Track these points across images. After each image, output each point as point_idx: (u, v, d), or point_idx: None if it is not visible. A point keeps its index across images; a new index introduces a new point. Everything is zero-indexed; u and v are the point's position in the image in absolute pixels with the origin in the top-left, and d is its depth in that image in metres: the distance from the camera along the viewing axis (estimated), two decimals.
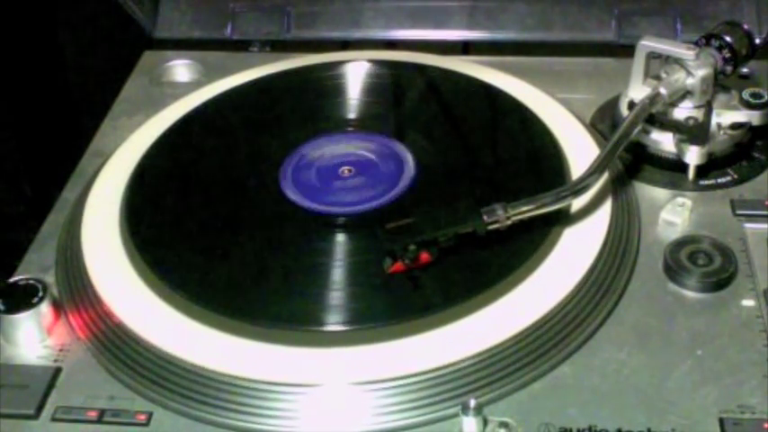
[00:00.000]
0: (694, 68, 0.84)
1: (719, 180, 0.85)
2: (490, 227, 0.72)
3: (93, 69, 1.32)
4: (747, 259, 0.77)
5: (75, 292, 0.77)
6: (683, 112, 0.85)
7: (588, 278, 0.73)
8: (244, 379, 0.68)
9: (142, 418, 0.67)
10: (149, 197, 0.84)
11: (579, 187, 0.75)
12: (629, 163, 0.86)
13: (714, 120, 0.85)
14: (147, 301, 0.74)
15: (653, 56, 0.86)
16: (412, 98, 0.96)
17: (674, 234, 0.79)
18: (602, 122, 0.93)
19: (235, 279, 0.75)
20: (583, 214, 0.79)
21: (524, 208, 0.73)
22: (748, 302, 0.73)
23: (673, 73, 0.84)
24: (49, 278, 0.78)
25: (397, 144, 0.88)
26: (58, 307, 0.75)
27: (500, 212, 0.72)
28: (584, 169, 0.77)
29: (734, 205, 0.82)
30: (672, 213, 0.81)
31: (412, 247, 0.71)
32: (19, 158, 1.26)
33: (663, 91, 0.83)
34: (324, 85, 0.97)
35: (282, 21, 1.10)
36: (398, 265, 0.71)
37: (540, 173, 0.83)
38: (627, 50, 0.93)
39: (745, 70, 0.90)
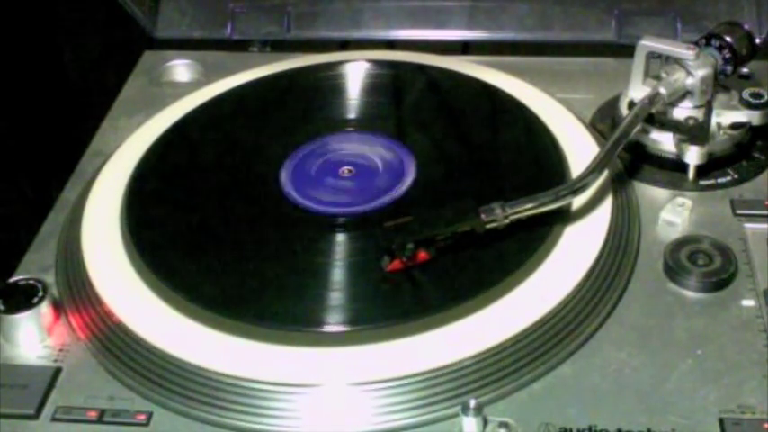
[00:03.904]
0: (694, 68, 0.84)
1: (719, 180, 0.85)
2: (488, 226, 0.72)
3: (93, 69, 1.32)
4: (747, 259, 0.76)
5: (75, 292, 0.77)
6: (683, 112, 0.85)
7: (588, 278, 0.73)
8: (244, 379, 0.68)
9: (142, 417, 0.67)
10: (149, 197, 0.84)
11: (578, 186, 0.75)
12: (629, 163, 0.86)
13: (714, 120, 0.85)
14: (147, 302, 0.74)
15: (653, 56, 0.86)
16: (412, 98, 0.96)
17: (674, 234, 0.79)
18: (602, 122, 0.93)
19: (235, 279, 0.75)
20: (583, 214, 0.79)
21: (523, 207, 0.73)
22: (748, 302, 0.73)
23: (673, 73, 0.84)
24: (49, 278, 0.78)
25: (397, 144, 0.88)
26: (58, 307, 0.75)
27: (498, 211, 0.72)
28: (583, 169, 0.77)
29: (734, 205, 0.82)
30: (672, 213, 0.81)
31: (410, 246, 0.71)
32: (19, 159, 1.26)
33: (663, 91, 0.83)
34: (324, 85, 0.97)
35: (282, 21, 1.10)
36: (396, 263, 0.71)
37: (540, 173, 0.83)
38: (627, 50, 0.93)
39: (745, 70, 0.90)
